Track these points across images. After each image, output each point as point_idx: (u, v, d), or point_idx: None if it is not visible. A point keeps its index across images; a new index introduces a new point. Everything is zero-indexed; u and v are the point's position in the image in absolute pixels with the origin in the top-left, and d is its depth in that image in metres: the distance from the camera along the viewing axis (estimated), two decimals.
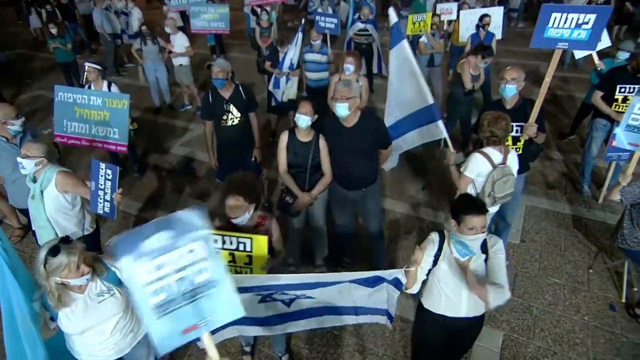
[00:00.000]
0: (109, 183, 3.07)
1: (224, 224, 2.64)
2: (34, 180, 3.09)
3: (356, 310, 2.71)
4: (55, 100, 4.44)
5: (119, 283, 2.25)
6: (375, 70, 8.28)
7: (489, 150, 3.13)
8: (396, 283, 2.43)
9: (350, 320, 2.79)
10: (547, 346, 3.35)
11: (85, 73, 5.24)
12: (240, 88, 4.29)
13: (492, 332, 3.45)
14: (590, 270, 4.03)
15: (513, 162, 3.22)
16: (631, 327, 3.46)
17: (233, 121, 4.22)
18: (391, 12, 4.03)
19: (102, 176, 3.07)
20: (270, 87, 6.07)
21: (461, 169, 3.26)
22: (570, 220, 4.77)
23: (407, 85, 3.80)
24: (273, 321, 2.71)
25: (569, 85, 8.59)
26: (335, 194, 3.63)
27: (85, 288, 2.14)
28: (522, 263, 4.16)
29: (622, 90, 4.53)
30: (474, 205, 2.19)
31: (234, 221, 2.59)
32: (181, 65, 7.32)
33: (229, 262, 2.55)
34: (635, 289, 3.75)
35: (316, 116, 3.27)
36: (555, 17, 2.90)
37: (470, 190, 3.25)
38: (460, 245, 2.22)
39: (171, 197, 5.43)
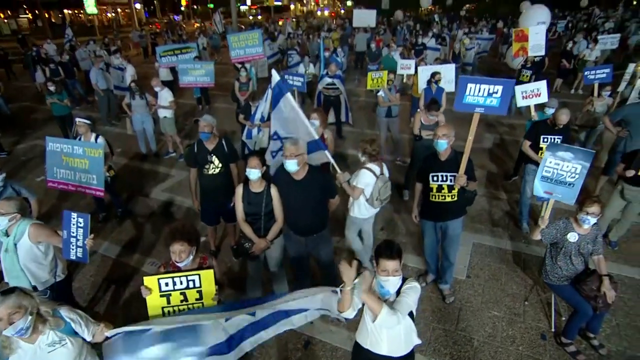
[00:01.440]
0: (80, 230, 3.11)
1: (170, 270, 2.72)
2: (7, 234, 3.09)
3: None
4: (47, 150, 4.59)
5: (73, 334, 2.24)
6: (343, 119, 8.55)
7: (371, 165, 3.88)
8: None
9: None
10: None
11: (76, 127, 5.37)
12: (224, 141, 4.44)
13: None
14: (526, 302, 4.09)
15: (386, 171, 4.03)
16: (558, 354, 3.51)
17: (214, 170, 4.35)
18: (274, 73, 4.43)
19: (74, 225, 3.11)
20: (244, 138, 6.19)
21: (353, 183, 3.91)
22: (511, 255, 4.87)
23: (298, 127, 4.12)
24: (245, 334, 2.69)
25: (515, 131, 8.95)
26: (289, 238, 3.68)
27: (35, 338, 2.12)
28: (466, 297, 4.20)
29: (545, 140, 4.82)
30: (388, 250, 2.25)
31: (180, 265, 2.69)
32: (165, 117, 7.47)
33: (181, 301, 2.62)
34: (563, 318, 3.81)
35: (265, 168, 3.39)
36: (471, 87, 3.12)
37: (361, 198, 3.94)
38: (379, 285, 2.29)
39: (149, 240, 5.40)
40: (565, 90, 12.04)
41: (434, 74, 6.99)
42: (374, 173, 3.86)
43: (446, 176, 3.59)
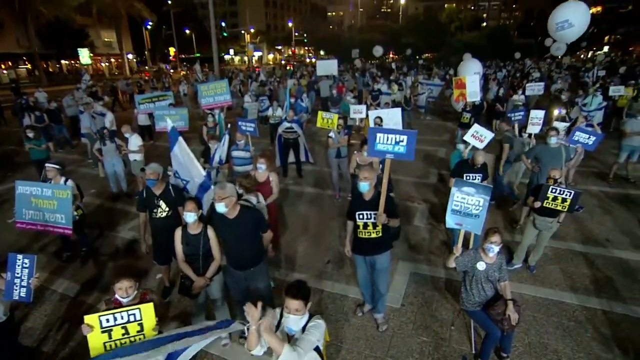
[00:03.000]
0: (25, 271, 3.10)
1: (112, 307, 2.68)
2: None
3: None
4: (17, 193, 4.60)
5: None
6: (302, 159, 8.67)
7: (248, 197, 4.19)
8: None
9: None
10: None
11: (45, 171, 5.29)
12: (170, 187, 4.43)
13: None
14: (452, 327, 4.10)
15: (262, 200, 4.40)
16: None
17: (162, 214, 4.31)
18: (168, 120, 5.09)
19: (19, 266, 3.10)
20: None
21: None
22: (444, 282, 4.91)
23: (190, 170, 4.73)
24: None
25: None
26: (229, 273, 3.64)
27: None
28: (399, 325, 4.17)
29: (467, 177, 4.99)
30: (294, 290, 2.26)
31: (125, 301, 2.70)
32: (135, 160, 7.43)
33: (123, 334, 2.57)
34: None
35: (201, 211, 3.39)
36: (380, 136, 3.25)
37: None
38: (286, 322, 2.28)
39: (108, 279, 5.19)
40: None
41: (375, 118, 7.25)
42: (251, 203, 4.12)
43: (370, 214, 3.65)
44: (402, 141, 3.20)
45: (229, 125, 7.05)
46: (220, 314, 3.88)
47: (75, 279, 5.19)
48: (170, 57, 50.31)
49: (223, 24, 56.38)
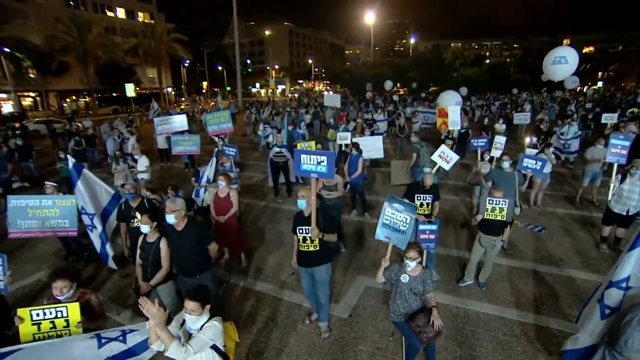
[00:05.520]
0: (1, 268, 3.30)
1: (51, 302, 2.78)
2: None
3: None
4: (9, 207, 4.74)
5: None
6: (292, 180, 8.79)
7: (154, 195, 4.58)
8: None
9: None
10: None
11: (44, 188, 5.56)
12: (145, 201, 4.61)
13: None
14: (391, 338, 3.96)
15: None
16: None
17: (138, 224, 4.40)
18: (69, 158, 5.28)
19: None
20: (193, 196, 6.39)
21: None
22: None
23: (98, 194, 5.37)
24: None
25: None
26: (180, 280, 3.70)
27: None
28: (341, 334, 4.06)
29: (419, 198, 4.91)
30: (190, 292, 2.33)
31: (61, 298, 2.77)
32: (142, 178, 7.73)
33: (50, 328, 2.66)
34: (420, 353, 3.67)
35: (155, 223, 3.50)
36: (304, 157, 3.29)
37: None
38: None
39: (102, 278, 5.36)
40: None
41: (352, 144, 7.30)
42: (157, 200, 4.59)
43: (307, 229, 3.65)
44: (323, 161, 3.22)
45: (215, 149, 7.26)
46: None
47: None
48: (203, 90, 52.56)
49: (248, 61, 58.64)
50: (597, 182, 7.36)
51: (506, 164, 5.62)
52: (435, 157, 6.12)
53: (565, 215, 7.23)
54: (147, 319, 2.24)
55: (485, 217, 4.41)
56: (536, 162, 5.39)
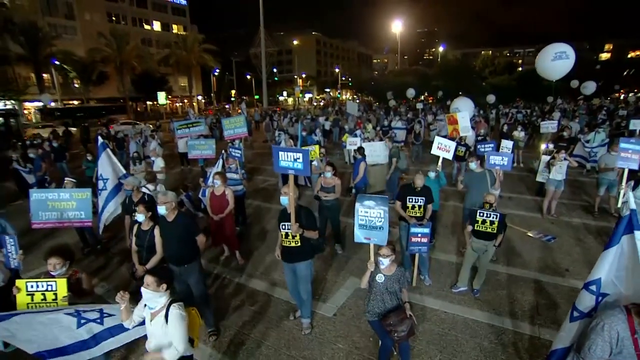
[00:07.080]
0: (13, 247, 3.68)
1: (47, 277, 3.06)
2: None
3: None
4: (31, 200, 5.19)
5: None
6: (302, 183, 8.94)
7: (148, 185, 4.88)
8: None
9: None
10: None
11: (65, 183, 6.04)
12: (145, 196, 4.92)
13: None
14: (371, 339, 3.93)
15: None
16: None
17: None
18: (99, 138, 5.83)
19: (10, 244, 3.68)
20: (200, 195, 6.68)
21: None
22: None
23: (112, 171, 5.93)
24: (97, 340, 2.92)
25: None
26: (169, 268, 3.90)
27: None
28: (322, 332, 4.09)
29: (410, 200, 4.88)
30: (151, 270, 2.54)
31: (54, 274, 3.05)
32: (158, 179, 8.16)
33: (42, 299, 2.94)
34: (395, 353, 3.64)
35: (150, 213, 3.75)
36: (282, 154, 3.42)
37: None
38: None
39: (111, 268, 5.71)
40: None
41: (357, 148, 7.36)
42: (149, 189, 5.00)
43: (289, 225, 3.76)
44: (299, 159, 3.33)
45: (222, 151, 7.56)
46: None
47: (85, 269, 5.73)
48: (232, 98, 54.46)
49: (275, 70, 60.04)
50: (613, 191, 6.94)
51: (473, 165, 5.66)
52: (434, 151, 6.08)
53: (580, 225, 6.86)
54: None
55: (475, 228, 4.35)
56: (502, 158, 5.49)
